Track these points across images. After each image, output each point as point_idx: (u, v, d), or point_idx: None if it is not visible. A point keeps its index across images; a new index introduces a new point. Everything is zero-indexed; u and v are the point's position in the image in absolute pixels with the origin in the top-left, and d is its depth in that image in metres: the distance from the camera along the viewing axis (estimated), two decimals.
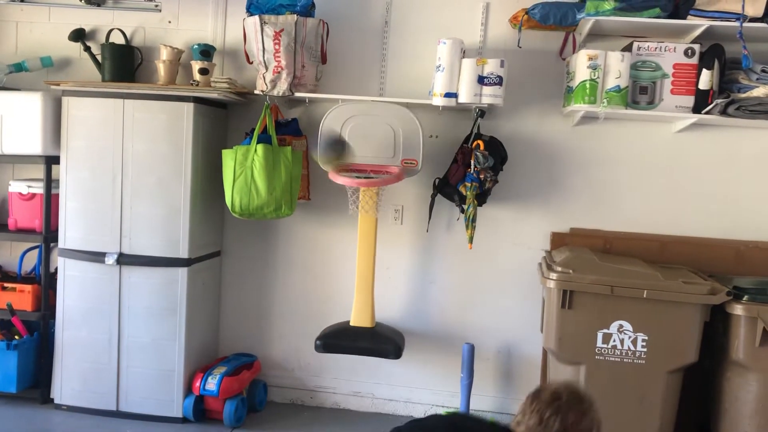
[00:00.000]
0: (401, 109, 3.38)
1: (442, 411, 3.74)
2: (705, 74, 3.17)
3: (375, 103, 3.43)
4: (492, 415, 3.70)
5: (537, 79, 3.57)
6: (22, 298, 3.68)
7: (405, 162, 3.37)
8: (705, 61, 3.19)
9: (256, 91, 3.53)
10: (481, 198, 3.40)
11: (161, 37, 3.83)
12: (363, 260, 3.48)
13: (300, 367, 3.89)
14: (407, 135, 3.36)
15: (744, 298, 2.90)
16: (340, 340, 3.48)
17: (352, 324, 3.52)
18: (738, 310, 2.89)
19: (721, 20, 3.10)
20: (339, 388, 3.88)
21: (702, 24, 3.13)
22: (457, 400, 3.58)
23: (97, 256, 3.52)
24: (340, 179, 3.31)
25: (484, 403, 3.72)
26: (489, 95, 3.26)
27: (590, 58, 3.16)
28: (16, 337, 3.69)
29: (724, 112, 3.15)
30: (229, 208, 3.46)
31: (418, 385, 3.79)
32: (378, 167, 3.38)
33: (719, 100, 3.13)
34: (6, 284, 3.72)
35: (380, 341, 3.46)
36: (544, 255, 3.48)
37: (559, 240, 3.58)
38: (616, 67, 3.17)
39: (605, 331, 3.01)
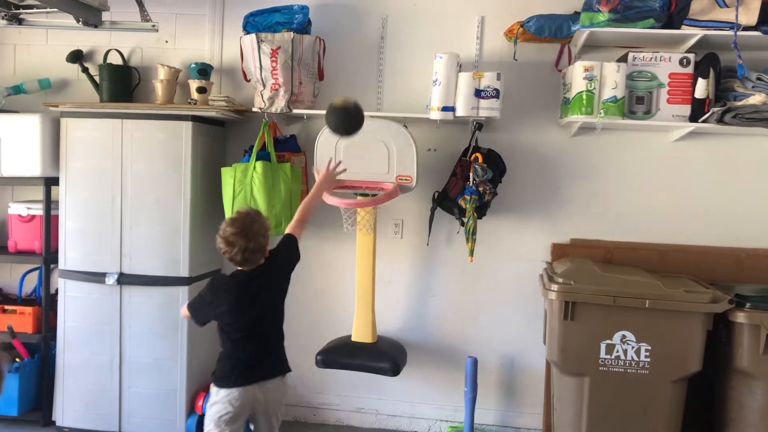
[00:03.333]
0: (395, 125, 3.38)
1: (446, 426, 3.72)
2: (701, 83, 3.19)
3: (370, 120, 3.41)
4: (497, 429, 3.69)
5: (534, 91, 3.58)
6: (22, 320, 3.67)
7: (399, 178, 3.37)
8: (700, 70, 3.21)
9: (254, 109, 3.54)
10: (481, 211, 3.40)
11: (158, 57, 3.85)
12: (362, 276, 3.48)
13: (302, 384, 3.87)
14: (401, 151, 3.36)
15: (746, 306, 2.90)
16: (339, 356, 3.47)
17: (353, 339, 3.51)
18: (741, 317, 2.88)
19: (715, 29, 3.12)
20: (342, 404, 3.86)
21: (696, 33, 3.15)
22: (461, 414, 3.56)
23: (98, 277, 3.51)
24: (330, 200, 3.29)
25: (488, 417, 3.70)
26: (486, 108, 3.28)
27: (586, 70, 3.18)
28: (17, 359, 3.67)
29: (720, 121, 3.16)
30: None
31: (422, 400, 3.78)
32: (373, 184, 3.38)
33: (715, 109, 3.15)
34: (6, 307, 3.72)
35: (378, 358, 3.43)
36: (545, 266, 3.48)
37: (559, 251, 3.58)
38: (612, 78, 3.18)
39: (608, 341, 3.00)
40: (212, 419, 2.48)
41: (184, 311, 2.66)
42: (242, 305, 2.53)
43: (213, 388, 2.53)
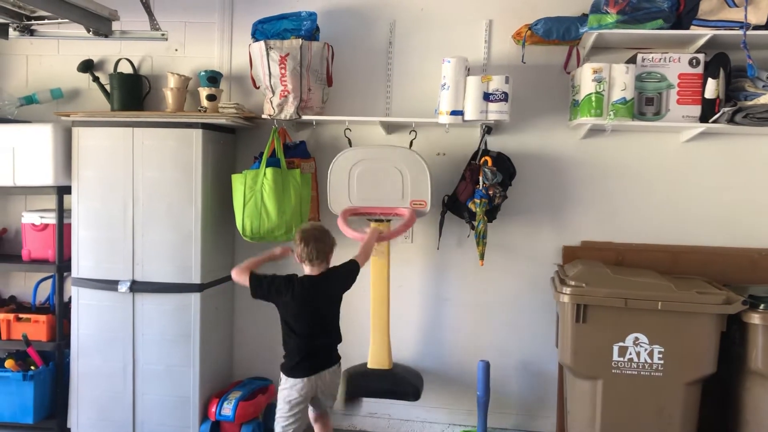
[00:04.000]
0: (408, 152, 3.39)
1: (459, 430, 3.71)
2: (710, 83, 3.18)
3: (382, 147, 3.46)
4: None
5: (542, 93, 3.58)
6: (37, 328, 3.70)
7: (414, 203, 3.37)
8: (710, 71, 3.19)
9: (263, 116, 3.56)
10: (491, 214, 3.40)
11: (168, 65, 3.88)
12: (377, 303, 3.46)
13: None
14: (415, 177, 3.35)
15: (760, 307, 2.87)
16: (360, 387, 3.48)
17: (369, 366, 3.50)
18: (755, 319, 2.85)
19: (725, 29, 3.11)
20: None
21: (705, 34, 3.13)
22: (474, 418, 3.55)
23: (110, 285, 3.53)
24: (349, 234, 3.26)
25: (501, 421, 3.69)
26: (495, 111, 3.27)
27: (595, 72, 3.17)
28: (32, 367, 3.70)
29: (731, 121, 3.14)
30: (240, 232, 3.48)
31: (434, 405, 3.77)
32: (387, 210, 3.39)
33: (726, 109, 3.13)
34: (21, 315, 3.74)
35: (399, 384, 3.47)
36: (556, 269, 3.47)
37: (570, 254, 3.57)
38: (621, 80, 3.17)
39: (621, 344, 2.99)
40: (284, 400, 2.93)
41: (242, 275, 2.93)
42: (305, 304, 2.91)
43: (282, 376, 2.95)
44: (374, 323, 3.48)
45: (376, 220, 3.41)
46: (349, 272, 3.01)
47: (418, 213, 3.38)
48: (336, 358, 3.04)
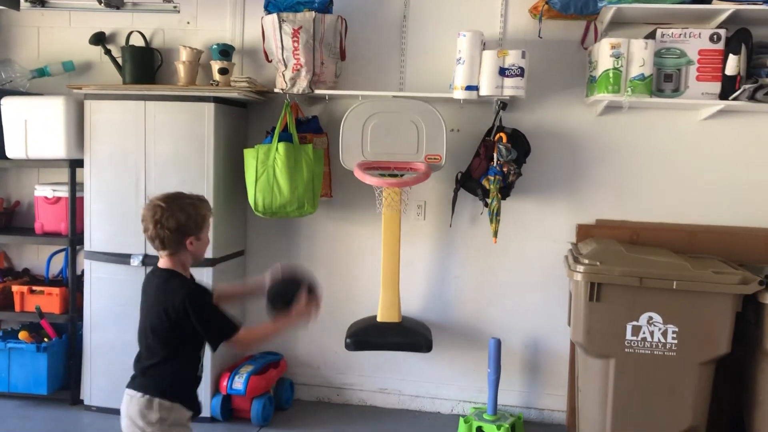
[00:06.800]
0: (423, 104, 3.35)
1: (469, 407, 3.72)
2: (732, 60, 3.11)
3: (397, 100, 3.41)
4: (520, 411, 3.68)
5: (559, 69, 3.52)
6: (50, 300, 3.73)
7: (428, 158, 3.35)
8: (731, 47, 3.12)
9: (275, 90, 3.53)
10: (505, 191, 3.37)
11: (180, 38, 3.84)
12: (388, 256, 3.46)
13: (325, 365, 3.89)
14: (430, 130, 3.33)
15: None
16: (370, 336, 3.47)
17: (379, 320, 3.50)
18: None
19: (748, 4, 3.03)
20: (365, 385, 3.87)
21: (728, 8, 3.06)
22: (484, 395, 3.55)
23: (123, 258, 3.54)
24: (368, 179, 3.28)
25: (511, 398, 3.69)
26: (511, 87, 3.23)
27: (613, 47, 3.11)
28: (46, 339, 3.73)
29: (752, 98, 3.09)
30: (252, 207, 3.47)
31: (445, 381, 3.78)
32: (401, 164, 3.36)
33: (747, 86, 3.07)
34: (34, 287, 3.77)
35: (410, 335, 3.45)
36: (570, 247, 3.44)
37: (584, 232, 3.53)
38: (640, 55, 3.12)
39: (634, 323, 2.97)
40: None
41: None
42: None
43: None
44: (384, 276, 3.46)
45: (390, 174, 3.36)
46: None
47: (433, 167, 3.36)
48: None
